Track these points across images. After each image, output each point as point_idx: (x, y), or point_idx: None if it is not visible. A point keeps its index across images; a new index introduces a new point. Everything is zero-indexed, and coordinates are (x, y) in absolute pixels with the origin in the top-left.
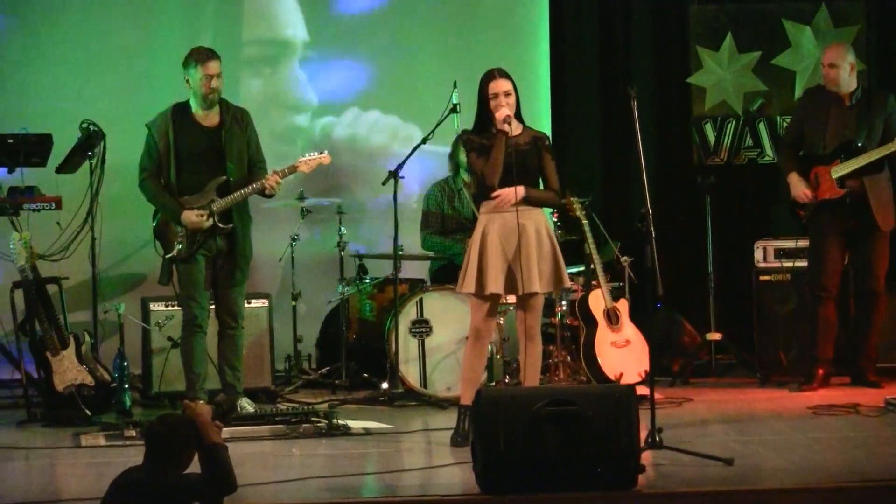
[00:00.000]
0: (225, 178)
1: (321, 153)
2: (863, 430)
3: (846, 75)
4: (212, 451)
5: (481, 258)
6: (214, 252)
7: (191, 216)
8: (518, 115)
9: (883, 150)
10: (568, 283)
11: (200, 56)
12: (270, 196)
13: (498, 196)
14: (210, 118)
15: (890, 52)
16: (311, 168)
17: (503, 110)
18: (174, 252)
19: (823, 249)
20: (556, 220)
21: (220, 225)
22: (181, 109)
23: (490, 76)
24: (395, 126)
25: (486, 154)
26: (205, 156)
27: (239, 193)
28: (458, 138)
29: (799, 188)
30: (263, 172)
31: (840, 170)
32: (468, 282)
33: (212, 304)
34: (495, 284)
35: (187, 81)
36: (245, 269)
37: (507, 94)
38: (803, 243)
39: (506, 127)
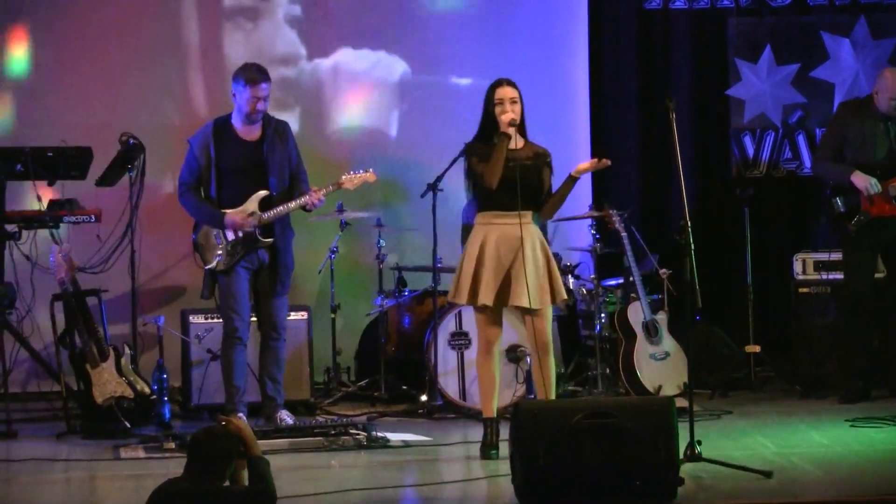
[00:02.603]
0: (267, 192)
1: (366, 171)
2: None
3: None
4: (254, 464)
5: (478, 269)
6: (256, 265)
7: (235, 217)
8: (522, 130)
9: None
10: (565, 296)
11: (252, 76)
12: (309, 211)
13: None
14: (251, 133)
15: None
16: (356, 185)
17: (509, 114)
18: (213, 264)
19: (863, 263)
20: (594, 232)
21: (260, 238)
22: (222, 124)
23: (497, 83)
24: (433, 139)
25: (487, 160)
26: (246, 170)
27: (282, 208)
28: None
29: (869, 179)
30: (304, 185)
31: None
32: (461, 292)
33: (253, 318)
34: (486, 296)
35: (233, 95)
36: (286, 281)
37: (513, 102)
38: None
39: (510, 130)
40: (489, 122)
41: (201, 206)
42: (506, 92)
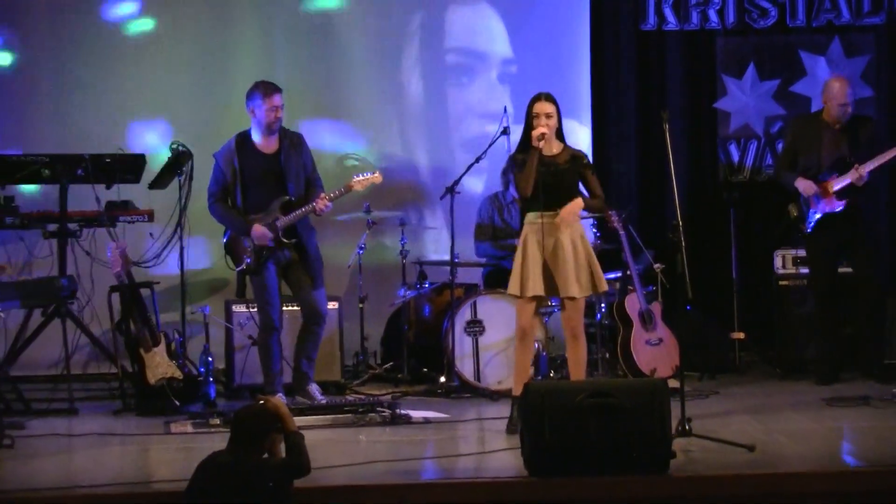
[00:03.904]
0: (287, 197)
1: (373, 173)
2: (873, 419)
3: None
4: (290, 439)
5: (523, 264)
6: (283, 262)
7: (259, 228)
8: (560, 135)
9: (884, 157)
10: (605, 287)
11: (266, 90)
12: (320, 215)
13: (562, 218)
14: (270, 145)
15: None
16: (364, 187)
17: (540, 129)
18: (243, 265)
19: (824, 261)
20: (595, 230)
21: (283, 239)
22: (243, 139)
23: (537, 98)
24: (443, 148)
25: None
26: (266, 179)
27: (293, 216)
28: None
29: (808, 183)
30: (319, 190)
31: (838, 183)
32: (513, 285)
33: (293, 306)
34: (534, 287)
35: (252, 111)
36: (321, 273)
37: (548, 116)
38: None
39: (540, 144)
40: (528, 133)
41: (228, 215)
42: (543, 107)
